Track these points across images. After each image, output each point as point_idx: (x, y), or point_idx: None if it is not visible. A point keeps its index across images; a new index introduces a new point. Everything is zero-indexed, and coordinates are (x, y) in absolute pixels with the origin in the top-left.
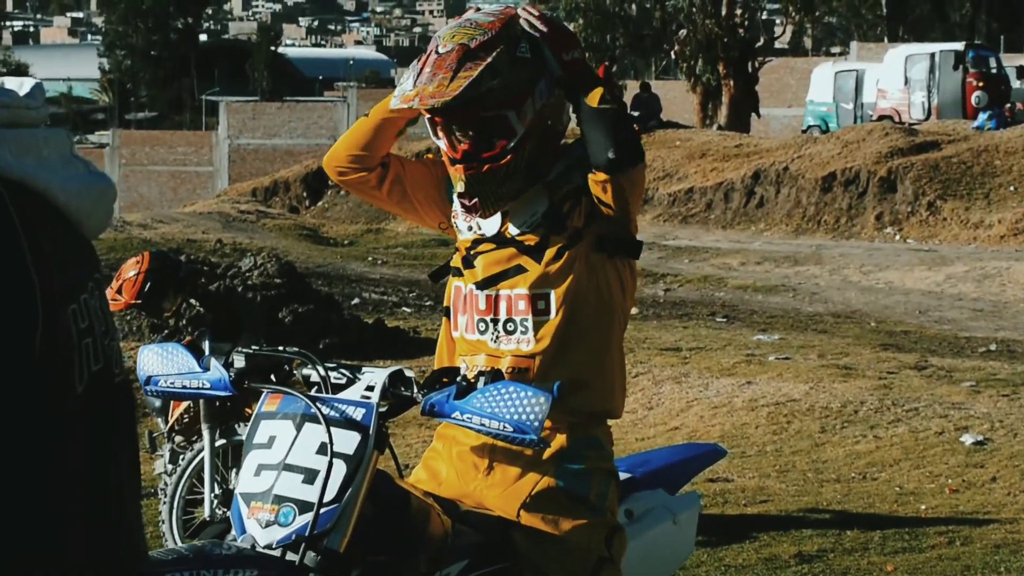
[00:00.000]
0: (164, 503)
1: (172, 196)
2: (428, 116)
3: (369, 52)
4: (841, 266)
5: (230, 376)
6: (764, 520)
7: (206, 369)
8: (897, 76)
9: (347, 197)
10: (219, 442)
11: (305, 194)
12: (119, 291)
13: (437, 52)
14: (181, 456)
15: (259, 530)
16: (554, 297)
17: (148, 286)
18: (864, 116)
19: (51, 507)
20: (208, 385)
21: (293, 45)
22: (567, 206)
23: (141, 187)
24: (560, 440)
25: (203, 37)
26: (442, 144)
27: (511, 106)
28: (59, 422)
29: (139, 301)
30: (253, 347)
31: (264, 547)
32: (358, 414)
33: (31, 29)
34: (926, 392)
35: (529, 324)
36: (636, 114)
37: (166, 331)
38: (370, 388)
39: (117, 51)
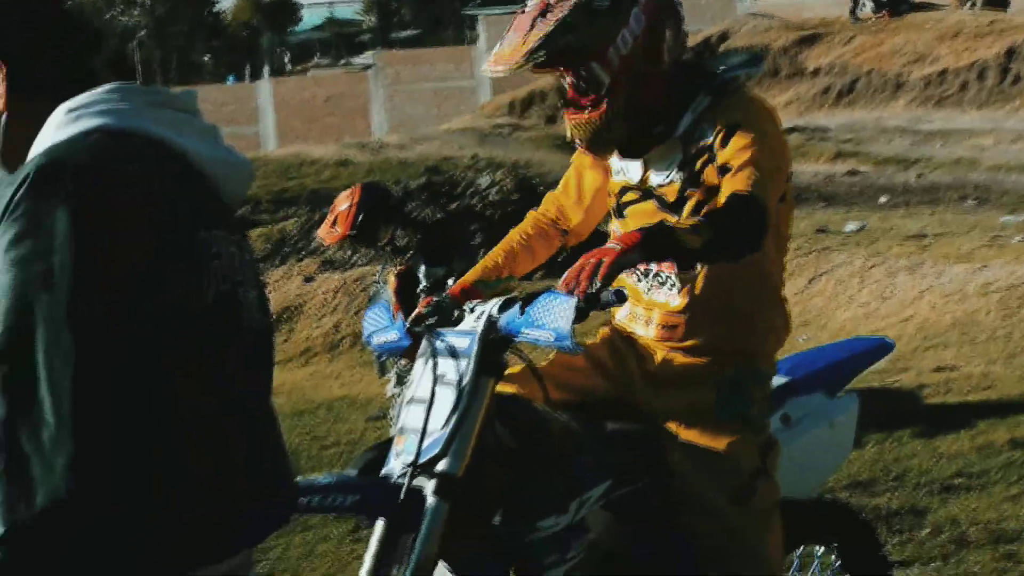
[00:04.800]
0: (392, 424)
1: (437, 113)
2: None
3: None
4: None
5: (405, 324)
6: (984, 407)
7: (393, 321)
8: None
9: None
10: None
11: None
12: (334, 223)
13: (523, 11)
14: (406, 379)
15: (394, 460)
16: None
17: (361, 217)
18: None
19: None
20: (396, 336)
21: None
22: (700, 163)
23: (406, 107)
24: (721, 365)
25: None
26: (565, 83)
27: (593, 57)
28: (191, 324)
29: (354, 232)
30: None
31: (399, 475)
32: (463, 343)
33: None
34: None
35: (675, 280)
36: None
37: (408, 255)
38: (480, 318)
39: None
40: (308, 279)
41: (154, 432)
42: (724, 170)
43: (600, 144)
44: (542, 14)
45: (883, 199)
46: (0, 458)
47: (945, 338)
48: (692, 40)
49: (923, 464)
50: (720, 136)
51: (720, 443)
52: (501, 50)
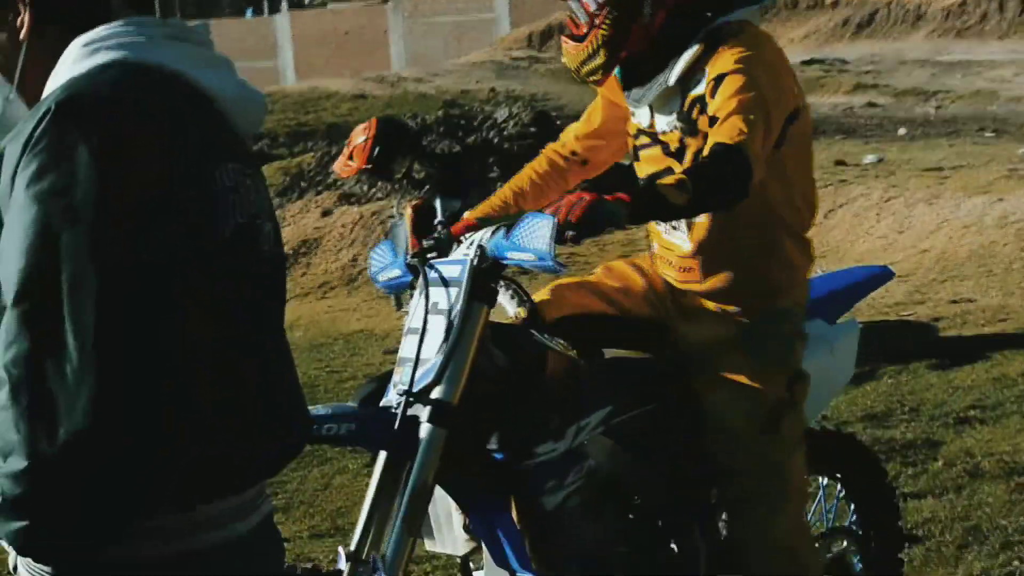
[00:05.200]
0: None
1: (456, 46)
2: None
3: None
4: None
5: (405, 260)
6: (1000, 339)
7: (396, 257)
8: None
9: None
10: None
11: None
12: (350, 157)
13: None
14: None
15: (392, 390)
16: None
17: (377, 151)
18: None
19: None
20: (399, 272)
21: None
22: (695, 112)
23: (425, 40)
24: (744, 310)
25: None
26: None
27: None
28: (206, 257)
29: (370, 166)
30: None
31: (396, 405)
32: (455, 271)
33: None
34: None
35: (683, 225)
36: None
37: (425, 188)
38: (472, 246)
39: None
40: (326, 213)
41: (165, 365)
42: (713, 121)
43: (582, 74)
44: None
45: (902, 131)
46: (23, 393)
47: (962, 270)
48: None
49: (938, 396)
50: (710, 86)
51: (745, 373)
52: None
